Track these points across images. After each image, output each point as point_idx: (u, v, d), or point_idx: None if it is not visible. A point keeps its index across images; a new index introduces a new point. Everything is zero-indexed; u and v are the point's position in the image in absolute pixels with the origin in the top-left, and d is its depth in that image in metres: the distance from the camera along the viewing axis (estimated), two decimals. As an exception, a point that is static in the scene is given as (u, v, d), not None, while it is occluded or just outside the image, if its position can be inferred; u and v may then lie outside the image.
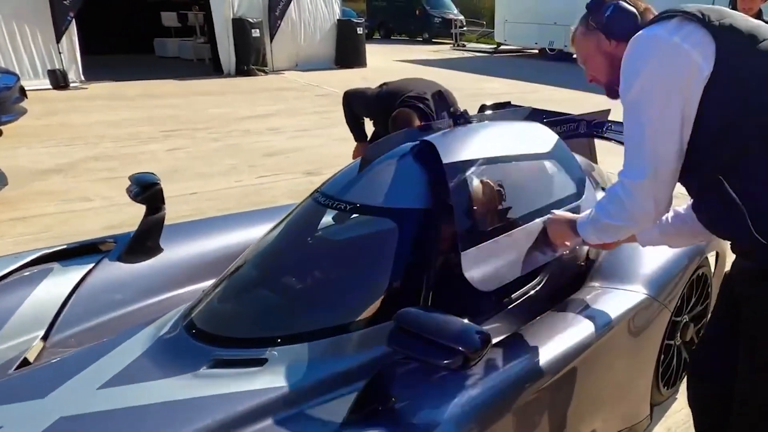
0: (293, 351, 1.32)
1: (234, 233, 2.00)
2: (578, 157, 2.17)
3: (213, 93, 8.58)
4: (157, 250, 1.84)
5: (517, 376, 1.29)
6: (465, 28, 18.64)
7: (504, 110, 2.36)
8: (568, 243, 1.54)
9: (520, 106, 2.44)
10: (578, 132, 2.42)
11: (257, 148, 5.58)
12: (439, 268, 1.48)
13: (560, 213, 1.55)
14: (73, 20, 8.45)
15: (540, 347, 1.37)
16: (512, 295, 1.66)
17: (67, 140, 5.73)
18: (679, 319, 1.97)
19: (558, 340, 1.41)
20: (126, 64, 11.15)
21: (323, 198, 1.61)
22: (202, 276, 1.79)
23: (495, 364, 1.30)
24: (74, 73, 8.71)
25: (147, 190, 1.80)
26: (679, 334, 2.00)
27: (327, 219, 1.74)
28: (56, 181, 4.52)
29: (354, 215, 1.58)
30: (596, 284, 1.75)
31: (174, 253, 1.86)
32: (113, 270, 1.75)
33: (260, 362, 1.29)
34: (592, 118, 2.43)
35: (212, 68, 10.73)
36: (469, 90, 8.37)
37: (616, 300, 1.65)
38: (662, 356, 1.88)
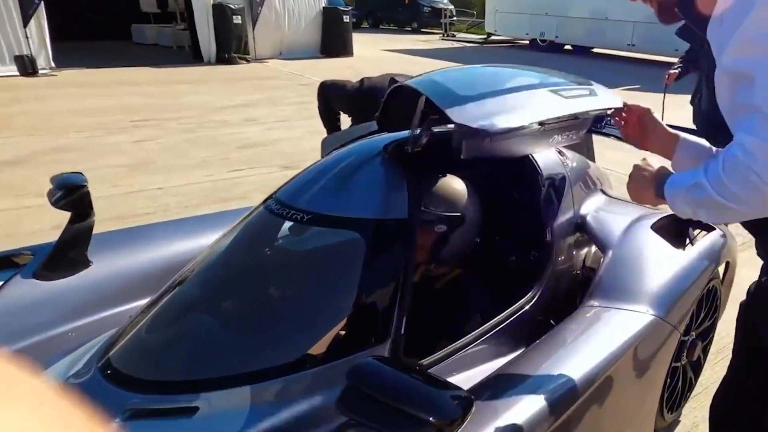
0: (231, 396, 1.08)
1: (176, 243, 1.72)
2: (573, 154, 1.95)
3: (191, 81, 8.24)
4: (83, 263, 1.56)
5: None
6: (455, 18, 18.36)
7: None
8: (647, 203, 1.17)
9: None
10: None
11: (233, 139, 5.29)
12: (414, 288, 1.24)
13: (649, 161, 1.11)
14: (42, 3, 8.06)
15: (533, 392, 1.13)
16: (499, 316, 1.44)
17: (29, 130, 5.38)
18: (686, 338, 1.76)
19: (555, 380, 1.18)
20: (101, 50, 10.68)
21: (277, 206, 1.34)
22: (137, 294, 1.52)
23: (479, 414, 1.06)
24: (44, 59, 8.32)
25: (71, 194, 1.52)
26: (685, 354, 1.79)
27: (286, 229, 1.48)
28: (13, 174, 4.19)
29: (313, 227, 1.33)
30: (596, 303, 1.52)
31: (104, 267, 1.58)
32: (28, 288, 1.47)
33: (190, 411, 1.05)
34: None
35: (192, 56, 10.38)
36: (458, 80, 8.12)
37: (621, 323, 1.43)
38: (668, 380, 1.68)
